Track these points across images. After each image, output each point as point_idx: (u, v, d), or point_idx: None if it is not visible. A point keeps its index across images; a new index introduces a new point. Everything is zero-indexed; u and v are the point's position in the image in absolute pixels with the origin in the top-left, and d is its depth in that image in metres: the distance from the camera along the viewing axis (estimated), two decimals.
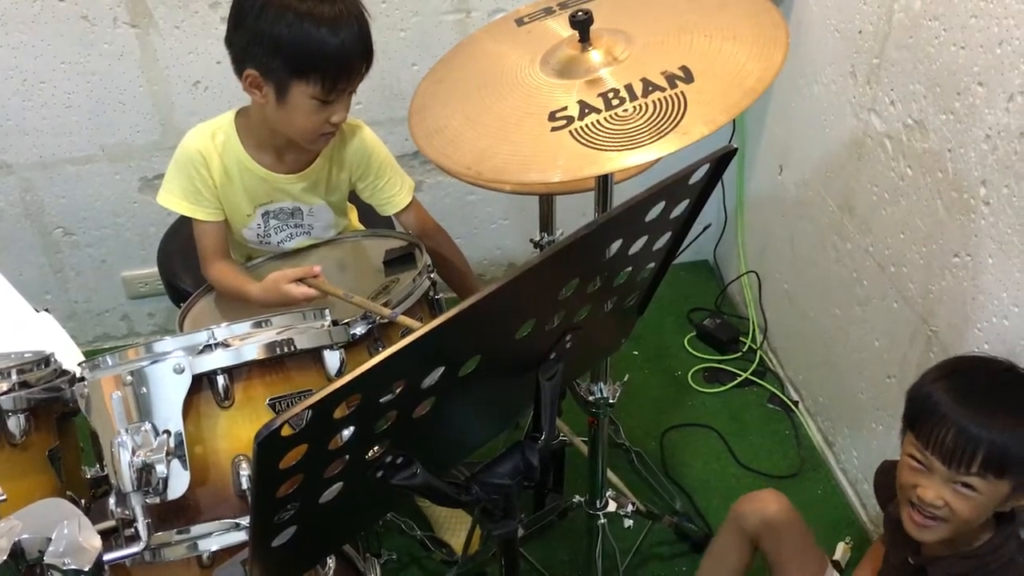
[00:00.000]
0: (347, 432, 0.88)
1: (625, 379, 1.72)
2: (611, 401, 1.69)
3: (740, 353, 2.62)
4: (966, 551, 1.32)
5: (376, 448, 0.95)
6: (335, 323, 1.34)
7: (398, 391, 0.89)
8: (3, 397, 1.26)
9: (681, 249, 1.19)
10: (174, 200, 1.65)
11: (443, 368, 0.92)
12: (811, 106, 2.13)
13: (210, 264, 1.71)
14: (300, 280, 1.52)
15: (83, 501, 1.40)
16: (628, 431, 2.33)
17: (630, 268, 1.14)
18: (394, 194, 1.76)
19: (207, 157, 1.62)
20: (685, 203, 1.10)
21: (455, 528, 2.08)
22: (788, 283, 2.43)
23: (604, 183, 1.43)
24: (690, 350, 2.65)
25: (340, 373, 1.32)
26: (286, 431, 0.79)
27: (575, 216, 2.29)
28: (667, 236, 1.15)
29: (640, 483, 2.21)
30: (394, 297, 1.47)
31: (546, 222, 2.01)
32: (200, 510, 1.26)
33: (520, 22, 1.46)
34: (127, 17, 2.24)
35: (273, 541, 0.93)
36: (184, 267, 2.03)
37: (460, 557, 2.00)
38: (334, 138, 1.64)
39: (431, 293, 1.58)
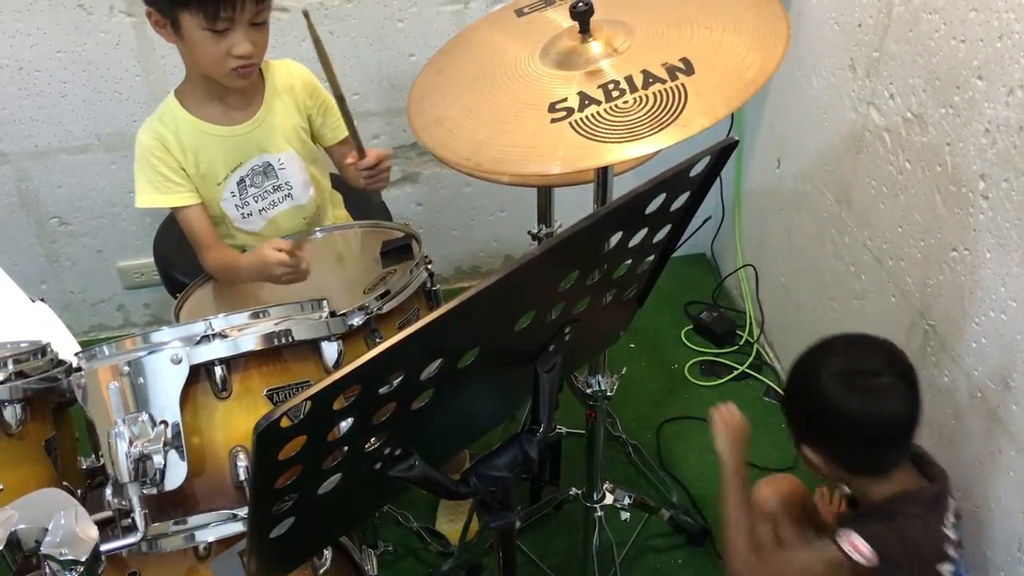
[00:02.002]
0: (345, 424, 0.88)
1: (623, 372, 1.72)
2: (608, 394, 1.69)
3: (737, 346, 2.62)
4: (868, 503, 1.47)
5: (374, 440, 0.95)
6: (333, 314, 1.34)
7: (397, 383, 0.89)
8: None
9: (680, 242, 1.19)
10: (147, 197, 1.68)
11: (441, 360, 0.92)
12: (810, 99, 2.13)
13: (206, 252, 1.71)
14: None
15: (79, 491, 1.40)
16: (624, 424, 2.33)
17: (629, 260, 1.14)
18: (334, 127, 1.82)
19: (162, 140, 1.65)
20: (685, 195, 1.10)
21: (459, 518, 2.09)
22: (785, 276, 2.43)
23: (603, 175, 1.43)
24: (687, 343, 2.65)
25: (338, 364, 1.31)
26: (285, 422, 0.79)
27: (573, 208, 2.28)
28: (667, 228, 1.15)
29: (637, 476, 2.22)
30: (391, 288, 1.46)
31: (544, 214, 2.00)
32: (197, 501, 1.26)
33: (520, 13, 1.45)
34: (123, 6, 2.23)
35: (271, 532, 0.92)
36: (180, 257, 2.02)
37: (456, 548, 2.00)
38: (269, 77, 1.71)
39: (428, 284, 1.58)
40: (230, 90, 1.66)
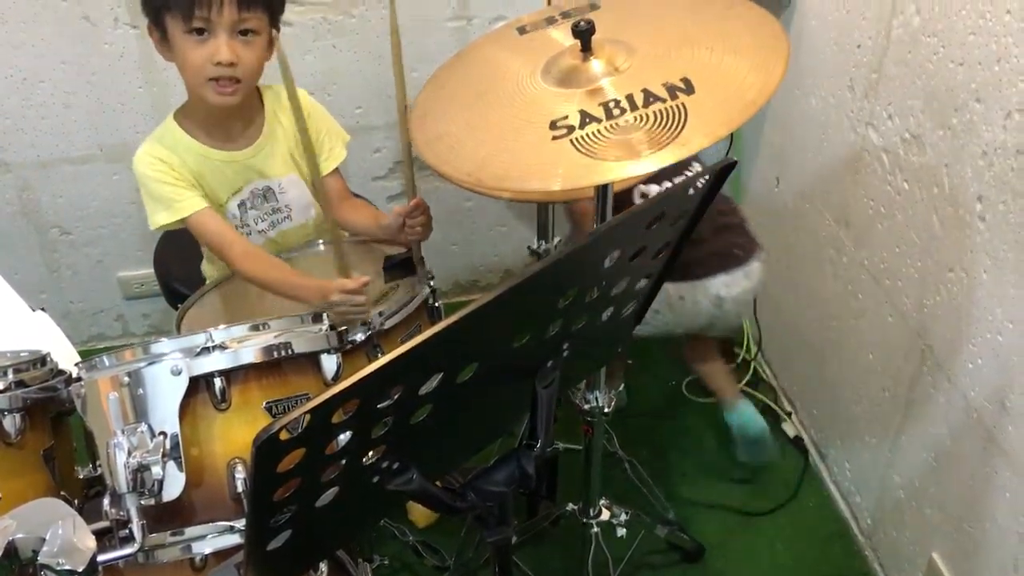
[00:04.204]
0: (344, 437, 0.88)
1: (620, 388, 1.73)
2: (606, 410, 1.69)
3: (734, 364, 2.62)
4: None
5: (372, 453, 0.95)
6: (332, 328, 1.34)
7: (395, 397, 0.89)
8: None
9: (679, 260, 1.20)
10: (158, 218, 1.64)
11: (441, 375, 0.93)
12: (809, 119, 2.14)
13: (231, 249, 1.62)
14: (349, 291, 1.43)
15: (76, 501, 1.40)
16: (621, 440, 2.33)
17: (628, 278, 1.14)
18: (331, 148, 1.78)
19: (164, 158, 1.62)
20: (684, 214, 1.11)
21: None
22: (783, 295, 2.44)
23: (603, 193, 1.44)
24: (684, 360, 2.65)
25: (337, 378, 1.32)
26: (283, 435, 0.79)
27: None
28: (666, 246, 1.16)
29: (633, 492, 2.22)
30: (393, 303, 1.47)
31: (544, 230, 2.01)
32: (195, 512, 1.26)
33: (522, 30, 1.46)
34: (127, 18, 2.24)
35: (268, 545, 0.93)
36: (180, 268, 2.03)
37: (452, 563, 2.00)
38: (269, 101, 1.70)
39: (430, 300, 1.59)
40: (230, 114, 1.64)
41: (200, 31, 1.51)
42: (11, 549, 1.02)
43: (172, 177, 1.63)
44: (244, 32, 1.54)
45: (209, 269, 1.90)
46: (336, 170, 1.80)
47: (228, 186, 1.70)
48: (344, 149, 1.81)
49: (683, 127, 1.15)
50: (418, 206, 1.58)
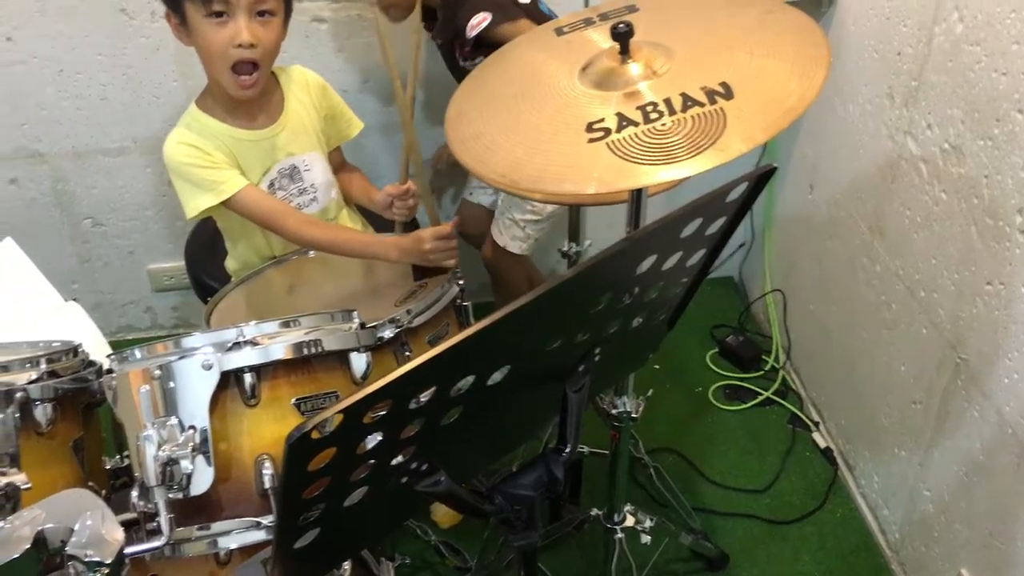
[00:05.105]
0: (373, 437, 0.88)
1: (649, 394, 1.71)
2: (634, 415, 1.68)
3: (762, 372, 2.60)
4: None
5: (402, 454, 0.95)
6: (363, 326, 1.34)
7: (427, 398, 0.89)
8: (31, 386, 1.26)
9: (714, 267, 1.18)
10: (196, 203, 1.66)
11: (473, 377, 0.92)
12: (845, 126, 2.12)
13: (285, 220, 1.68)
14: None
15: (103, 492, 1.41)
16: (646, 446, 2.32)
17: (662, 283, 1.13)
18: (347, 125, 1.89)
19: (196, 144, 1.65)
20: (721, 220, 1.10)
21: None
22: (814, 303, 2.41)
23: (637, 196, 1.42)
24: (712, 366, 2.63)
25: (366, 376, 1.31)
26: (315, 434, 0.79)
27: (602, 227, 2.29)
28: (701, 253, 1.15)
29: (657, 499, 2.20)
30: (422, 301, 1.47)
31: (574, 232, 2.00)
32: (221, 507, 1.26)
33: (560, 31, 1.45)
34: (164, 11, 2.25)
35: (296, 542, 0.92)
36: (210, 261, 2.04)
37: (474, 565, 2.00)
38: (285, 80, 1.74)
39: (458, 299, 1.58)
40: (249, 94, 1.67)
41: (219, 13, 1.54)
42: (40, 539, 1.01)
43: (208, 161, 1.65)
44: (261, 13, 1.58)
45: (233, 265, 1.91)
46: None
47: (259, 165, 1.72)
48: (357, 129, 1.93)
49: (722, 132, 1.13)
50: (408, 191, 1.69)
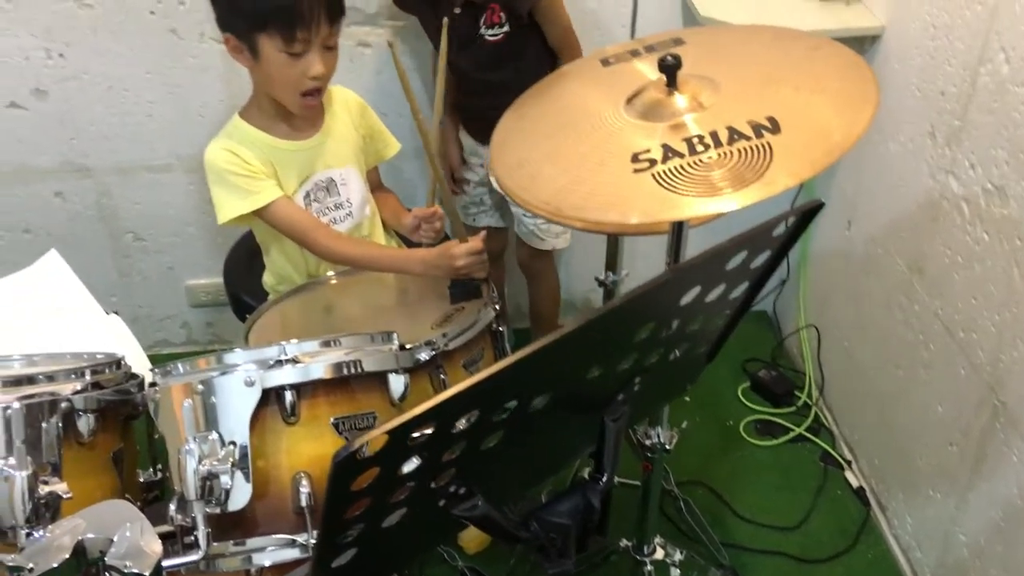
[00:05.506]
0: (415, 460, 0.88)
1: (684, 426, 1.71)
2: (668, 447, 1.67)
3: (794, 407, 2.58)
4: None
5: (441, 477, 0.95)
6: (402, 347, 1.35)
7: (469, 422, 0.89)
8: (76, 396, 1.28)
9: (756, 301, 1.18)
10: (230, 208, 1.68)
11: (515, 402, 0.92)
12: (886, 163, 2.11)
13: (315, 235, 1.71)
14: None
15: (137, 504, 1.42)
16: (676, 478, 2.30)
17: (704, 315, 1.13)
18: (384, 146, 1.93)
19: (237, 151, 1.68)
20: (766, 254, 1.10)
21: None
22: (849, 340, 2.40)
23: (679, 228, 1.43)
24: (743, 400, 2.61)
25: (403, 398, 1.32)
26: (359, 454, 0.79)
27: (640, 257, 2.29)
28: (744, 286, 1.15)
29: (686, 532, 2.18)
30: (457, 325, 1.47)
31: (612, 261, 2.00)
32: (257, 523, 1.27)
33: (606, 62, 1.46)
34: (213, 32, 2.29)
35: (334, 562, 0.93)
36: (248, 278, 2.06)
37: None
38: (327, 96, 1.76)
39: (494, 325, 1.58)
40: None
41: (298, 53, 1.58)
42: (80, 548, 1.03)
43: (247, 169, 1.68)
44: (329, 47, 1.63)
45: (271, 280, 1.93)
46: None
47: (296, 175, 1.75)
48: (394, 150, 1.97)
49: (768, 166, 1.13)
50: (435, 214, 1.74)
